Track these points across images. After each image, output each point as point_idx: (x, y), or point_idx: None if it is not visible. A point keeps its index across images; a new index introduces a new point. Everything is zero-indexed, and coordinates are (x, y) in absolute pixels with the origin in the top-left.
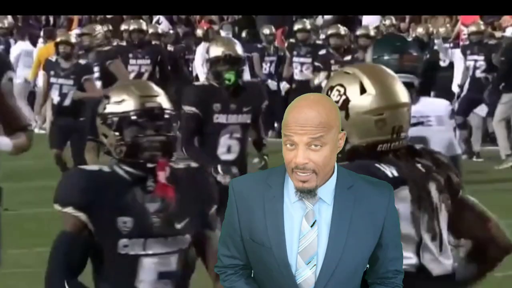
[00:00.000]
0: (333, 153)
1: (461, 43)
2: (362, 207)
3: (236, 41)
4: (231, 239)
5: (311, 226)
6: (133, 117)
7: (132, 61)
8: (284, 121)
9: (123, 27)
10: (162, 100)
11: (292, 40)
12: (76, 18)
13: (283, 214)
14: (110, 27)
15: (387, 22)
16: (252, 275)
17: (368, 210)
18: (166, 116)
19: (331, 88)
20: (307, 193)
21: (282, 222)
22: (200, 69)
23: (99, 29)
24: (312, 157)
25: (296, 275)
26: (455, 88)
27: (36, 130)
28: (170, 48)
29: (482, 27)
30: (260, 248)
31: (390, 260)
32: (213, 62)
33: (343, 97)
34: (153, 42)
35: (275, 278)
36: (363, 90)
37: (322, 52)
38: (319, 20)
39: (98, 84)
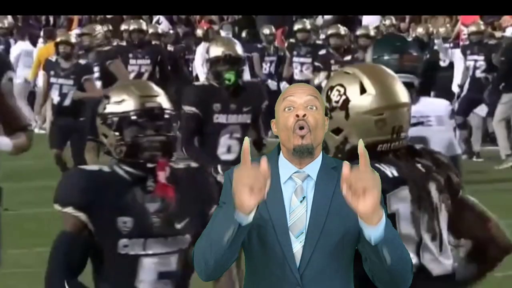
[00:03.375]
0: (323, 125)
1: (461, 43)
2: None
3: (236, 41)
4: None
5: (300, 202)
6: (133, 117)
7: (132, 61)
8: (282, 93)
9: (123, 27)
10: (162, 100)
11: (292, 40)
12: (76, 18)
13: (281, 186)
14: (110, 27)
15: (387, 22)
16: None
17: None
18: (166, 116)
19: (331, 88)
20: (305, 151)
21: (281, 193)
22: (200, 69)
23: (99, 29)
24: (308, 115)
25: None
26: (455, 88)
27: (36, 130)
28: (170, 48)
29: (482, 27)
30: (258, 221)
31: None
32: (213, 62)
33: (343, 97)
34: (153, 42)
35: (271, 251)
36: (363, 90)
37: (322, 52)
38: (319, 20)
39: (98, 84)
